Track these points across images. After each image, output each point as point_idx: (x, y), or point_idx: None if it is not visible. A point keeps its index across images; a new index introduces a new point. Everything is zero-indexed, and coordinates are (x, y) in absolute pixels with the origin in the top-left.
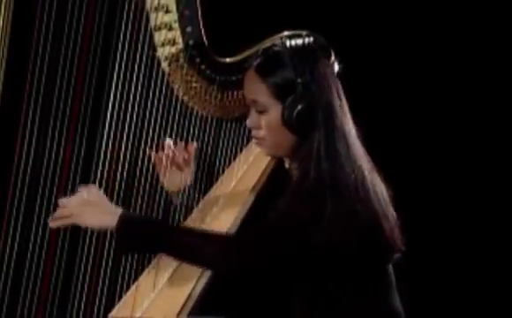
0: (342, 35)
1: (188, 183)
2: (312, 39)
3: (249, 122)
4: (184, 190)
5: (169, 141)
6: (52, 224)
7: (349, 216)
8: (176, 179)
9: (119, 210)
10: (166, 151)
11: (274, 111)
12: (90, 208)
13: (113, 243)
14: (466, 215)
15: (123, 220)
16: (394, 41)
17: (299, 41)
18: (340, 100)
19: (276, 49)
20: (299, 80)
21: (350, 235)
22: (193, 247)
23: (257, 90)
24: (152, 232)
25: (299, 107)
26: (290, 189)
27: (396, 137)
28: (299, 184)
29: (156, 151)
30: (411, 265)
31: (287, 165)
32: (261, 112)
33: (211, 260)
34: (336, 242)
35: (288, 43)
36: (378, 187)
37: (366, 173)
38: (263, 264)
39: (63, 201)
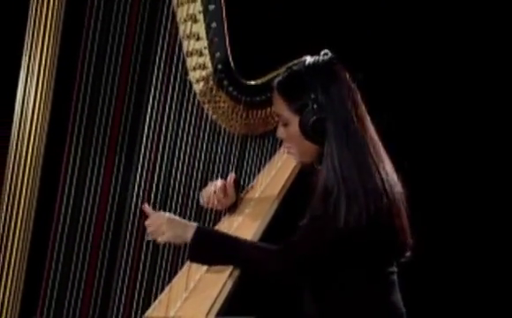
0: (365, 52)
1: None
2: (328, 57)
3: (277, 133)
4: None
5: (216, 183)
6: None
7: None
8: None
9: (195, 224)
10: (217, 195)
11: (294, 124)
12: (167, 222)
13: (149, 250)
14: (471, 218)
15: (198, 232)
16: (410, 52)
17: (316, 60)
18: (356, 109)
19: (295, 68)
20: (312, 96)
21: (364, 231)
22: (258, 262)
23: (280, 106)
24: (223, 246)
25: (312, 119)
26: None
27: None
28: (319, 186)
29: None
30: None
31: (317, 167)
32: (285, 125)
33: (273, 273)
34: (355, 237)
35: (306, 62)
36: (396, 187)
37: (384, 175)
38: (309, 268)
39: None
